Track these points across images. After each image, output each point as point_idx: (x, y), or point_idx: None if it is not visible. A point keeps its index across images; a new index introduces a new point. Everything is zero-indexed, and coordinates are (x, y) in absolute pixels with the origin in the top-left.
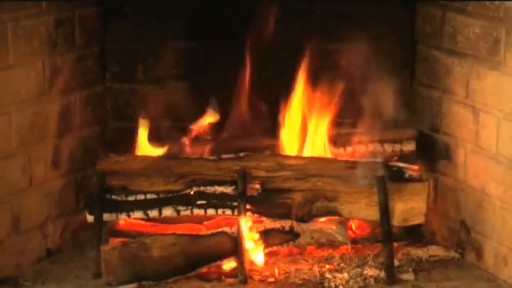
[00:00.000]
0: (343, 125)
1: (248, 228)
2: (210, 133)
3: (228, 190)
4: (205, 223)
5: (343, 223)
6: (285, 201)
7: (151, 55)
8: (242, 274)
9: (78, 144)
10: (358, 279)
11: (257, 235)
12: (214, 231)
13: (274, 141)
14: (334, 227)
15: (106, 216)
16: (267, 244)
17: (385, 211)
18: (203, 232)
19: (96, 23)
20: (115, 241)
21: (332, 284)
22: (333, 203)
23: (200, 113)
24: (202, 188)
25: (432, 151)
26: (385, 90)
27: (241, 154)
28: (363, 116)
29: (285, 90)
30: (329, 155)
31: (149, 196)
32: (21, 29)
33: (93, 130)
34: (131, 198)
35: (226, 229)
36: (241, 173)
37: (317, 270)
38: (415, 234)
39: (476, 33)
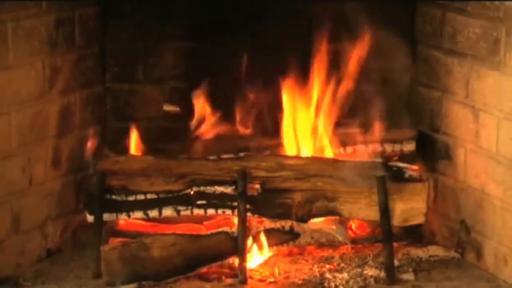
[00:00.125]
0: (343, 125)
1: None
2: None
3: (228, 190)
4: (205, 223)
5: (343, 223)
6: (285, 201)
7: (151, 55)
8: (242, 274)
9: (78, 144)
10: (358, 279)
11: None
12: (214, 231)
13: (274, 141)
14: (334, 227)
15: (106, 216)
16: (267, 244)
17: (385, 211)
18: (203, 232)
19: (96, 23)
20: (115, 241)
21: (332, 284)
22: (333, 203)
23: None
24: (202, 188)
25: (432, 151)
26: (385, 90)
27: (241, 154)
28: (363, 116)
29: (285, 90)
30: (329, 155)
31: (149, 196)
32: (21, 29)
33: (93, 130)
34: (131, 198)
35: (226, 229)
36: (241, 173)
37: (317, 270)
38: (415, 234)
39: (476, 33)
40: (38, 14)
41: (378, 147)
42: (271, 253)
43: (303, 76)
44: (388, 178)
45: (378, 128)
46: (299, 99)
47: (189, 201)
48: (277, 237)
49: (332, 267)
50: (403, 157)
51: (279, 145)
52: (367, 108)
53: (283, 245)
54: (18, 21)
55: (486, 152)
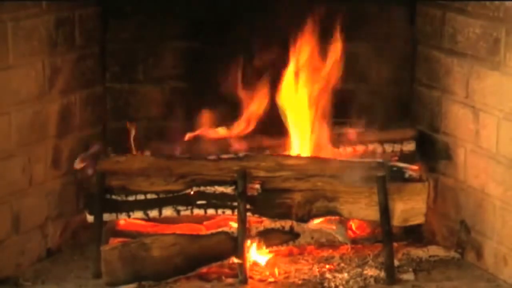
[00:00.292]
0: (343, 124)
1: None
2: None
3: (228, 190)
4: (205, 223)
5: (343, 223)
6: (285, 201)
7: (151, 55)
8: (242, 274)
9: (78, 144)
10: (358, 279)
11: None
12: (214, 231)
13: (274, 141)
14: (334, 227)
15: (106, 216)
16: (267, 244)
17: (385, 211)
18: (203, 232)
19: (96, 23)
20: (115, 241)
21: (332, 284)
22: (333, 203)
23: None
24: (202, 188)
25: (432, 151)
26: (385, 90)
27: (241, 154)
28: (363, 115)
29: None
30: (329, 155)
31: (149, 196)
32: (21, 29)
33: (93, 130)
34: (131, 198)
35: (226, 229)
36: (241, 173)
37: (317, 270)
38: (415, 234)
39: (476, 33)
40: (38, 14)
41: (378, 147)
42: (271, 255)
43: (303, 76)
44: (388, 178)
45: (378, 128)
46: (299, 99)
47: (189, 201)
48: (277, 237)
49: (332, 267)
50: (403, 157)
51: (279, 145)
52: (367, 108)
53: (283, 245)
54: (18, 21)
55: (486, 152)
